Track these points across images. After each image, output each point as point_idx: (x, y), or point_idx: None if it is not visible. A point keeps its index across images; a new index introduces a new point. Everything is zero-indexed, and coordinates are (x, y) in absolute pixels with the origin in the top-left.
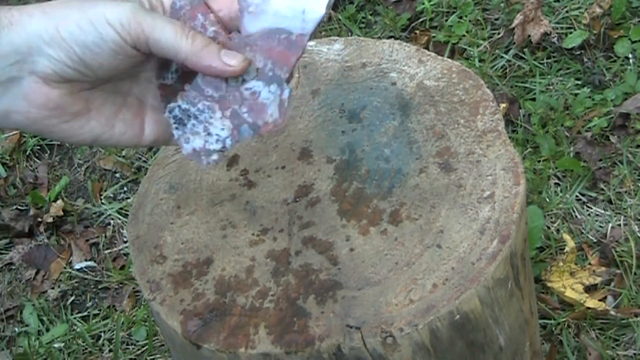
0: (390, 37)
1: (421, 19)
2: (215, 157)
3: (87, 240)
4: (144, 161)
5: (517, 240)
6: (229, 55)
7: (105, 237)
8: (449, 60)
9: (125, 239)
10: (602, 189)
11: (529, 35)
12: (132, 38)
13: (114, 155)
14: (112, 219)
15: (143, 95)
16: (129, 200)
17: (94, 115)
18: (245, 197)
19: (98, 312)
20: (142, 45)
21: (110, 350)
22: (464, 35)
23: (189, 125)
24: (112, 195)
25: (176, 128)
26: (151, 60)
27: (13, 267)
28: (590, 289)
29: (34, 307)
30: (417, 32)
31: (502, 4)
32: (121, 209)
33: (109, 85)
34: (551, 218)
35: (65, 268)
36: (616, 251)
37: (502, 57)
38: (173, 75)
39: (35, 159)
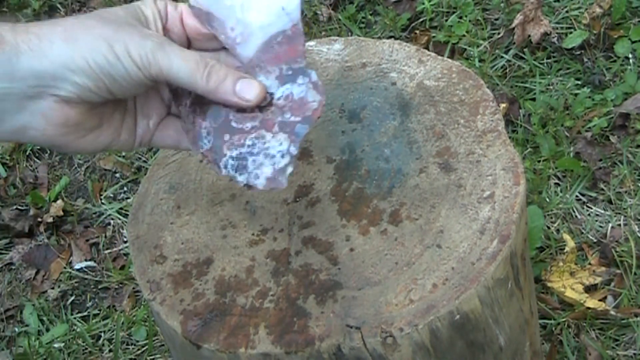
0: (390, 37)
1: (421, 19)
2: (290, 169)
3: (87, 240)
4: (144, 161)
5: (517, 240)
6: (245, 90)
7: (105, 237)
8: (449, 60)
9: (125, 239)
10: (602, 189)
11: (529, 35)
12: (152, 76)
13: (114, 156)
14: (112, 219)
15: (133, 100)
16: (129, 200)
17: (105, 127)
18: (245, 197)
19: (98, 312)
20: (162, 80)
21: (110, 350)
22: (464, 35)
23: (250, 164)
24: (112, 195)
25: (240, 174)
26: None
27: (13, 267)
28: (590, 289)
29: (34, 307)
30: (417, 32)
31: (502, 4)
32: (121, 209)
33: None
34: (551, 218)
35: (65, 268)
36: (616, 251)
37: (502, 57)
38: (188, 101)
39: (35, 159)
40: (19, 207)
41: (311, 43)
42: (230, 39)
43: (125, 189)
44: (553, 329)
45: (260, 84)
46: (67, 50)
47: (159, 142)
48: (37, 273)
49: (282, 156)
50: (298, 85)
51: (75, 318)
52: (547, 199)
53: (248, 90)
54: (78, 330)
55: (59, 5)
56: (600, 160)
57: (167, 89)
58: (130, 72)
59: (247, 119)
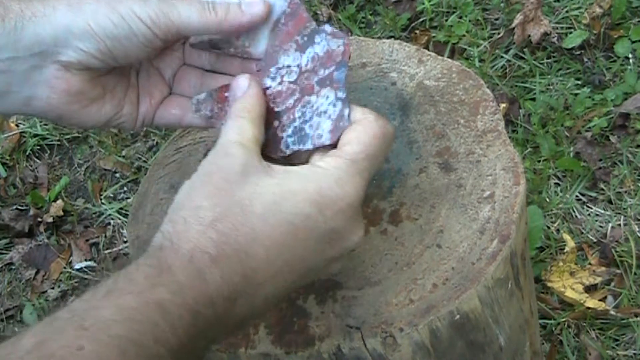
0: (390, 37)
1: (421, 19)
2: (346, 110)
3: (87, 240)
4: (144, 161)
5: (517, 240)
6: (249, 6)
7: (105, 237)
8: (449, 60)
9: (125, 239)
10: (602, 189)
11: (529, 35)
12: (162, 31)
13: (114, 155)
14: (112, 219)
15: (136, 75)
16: (129, 200)
17: (108, 98)
18: None
19: None
20: (173, 34)
21: None
22: (464, 35)
23: (308, 129)
24: (112, 195)
25: (304, 144)
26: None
27: (13, 267)
28: (590, 289)
29: (34, 307)
30: (417, 32)
31: (502, 4)
32: (121, 209)
33: (119, 68)
34: (551, 218)
35: (65, 268)
36: (616, 251)
37: (502, 57)
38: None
39: (35, 159)
40: (19, 207)
41: None
42: (240, 47)
43: (125, 189)
44: (553, 329)
45: None
46: (70, 15)
47: (161, 119)
48: (37, 273)
49: (334, 105)
50: (317, 44)
51: None
52: (547, 199)
53: (253, 5)
54: None
55: None
56: (600, 160)
57: (169, 68)
58: (136, 31)
59: (287, 97)
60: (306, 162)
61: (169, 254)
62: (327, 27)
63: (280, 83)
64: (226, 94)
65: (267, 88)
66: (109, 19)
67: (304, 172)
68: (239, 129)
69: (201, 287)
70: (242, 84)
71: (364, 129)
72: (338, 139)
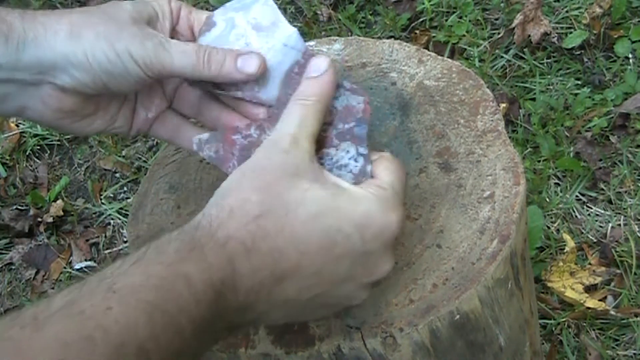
0: (390, 37)
1: (421, 19)
2: (369, 167)
3: (87, 240)
4: (144, 161)
5: (517, 240)
6: (246, 64)
7: (105, 237)
8: (449, 60)
9: (125, 239)
10: (602, 189)
11: (529, 35)
12: (154, 74)
13: (114, 155)
14: (112, 219)
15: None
16: (129, 200)
17: (100, 114)
18: None
19: None
20: (166, 76)
21: None
22: (464, 35)
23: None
24: (112, 195)
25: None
26: None
27: (13, 267)
28: (590, 289)
29: None
30: (417, 32)
31: (502, 4)
32: (121, 209)
33: None
34: (551, 218)
35: (65, 268)
36: (616, 251)
37: (502, 57)
38: None
39: (35, 159)
40: (19, 207)
41: (311, 43)
42: (248, 91)
43: (125, 189)
44: (553, 329)
45: (258, 55)
46: (70, 44)
47: (156, 133)
48: (37, 273)
49: (355, 160)
50: (335, 98)
51: None
52: (547, 199)
53: (249, 64)
54: None
55: (58, 5)
56: (600, 160)
57: (170, 83)
58: (131, 71)
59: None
60: None
61: (203, 234)
62: (346, 83)
63: None
64: (234, 137)
65: None
66: (106, 55)
67: (354, 194)
68: (300, 121)
69: (229, 272)
70: (322, 65)
71: (389, 162)
72: None
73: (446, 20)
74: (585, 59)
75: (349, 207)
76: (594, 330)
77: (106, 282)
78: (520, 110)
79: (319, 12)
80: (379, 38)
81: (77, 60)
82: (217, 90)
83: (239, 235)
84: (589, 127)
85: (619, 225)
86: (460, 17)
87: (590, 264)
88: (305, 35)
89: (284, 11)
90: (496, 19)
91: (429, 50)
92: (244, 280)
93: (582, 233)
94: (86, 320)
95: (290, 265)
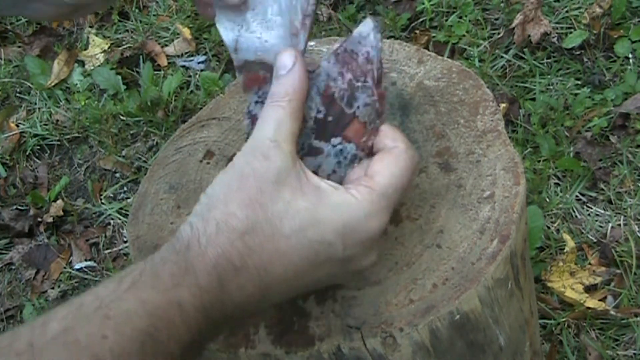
0: (390, 37)
1: (421, 19)
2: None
3: (87, 240)
4: (144, 161)
5: (517, 240)
6: None
7: (105, 237)
8: (449, 60)
9: (125, 239)
10: (602, 189)
11: (529, 35)
12: None
13: (114, 155)
14: (112, 219)
15: None
16: (129, 200)
17: None
18: None
19: None
20: None
21: None
22: (464, 35)
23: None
24: (112, 195)
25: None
26: None
27: (13, 267)
28: (590, 289)
29: (34, 307)
30: (417, 32)
31: (502, 4)
32: (121, 209)
33: None
34: (551, 218)
35: (65, 268)
36: (616, 251)
37: (502, 57)
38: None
39: (35, 159)
40: (19, 207)
41: (311, 43)
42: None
43: (125, 189)
44: (553, 329)
45: None
46: None
47: None
48: (37, 273)
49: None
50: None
51: None
52: (547, 199)
53: None
54: None
55: None
56: (600, 160)
57: None
58: None
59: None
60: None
61: (195, 256)
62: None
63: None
64: (261, 73)
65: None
66: None
67: (336, 201)
68: (277, 123)
69: (218, 292)
70: (287, 61)
71: (395, 161)
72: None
73: (446, 20)
74: (585, 59)
75: (331, 217)
76: (594, 330)
77: (102, 307)
78: (520, 110)
79: (319, 12)
80: None
81: None
82: None
83: (227, 254)
84: (589, 127)
85: (619, 225)
86: (460, 17)
87: (590, 264)
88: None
89: None
90: (496, 19)
91: (429, 50)
92: (232, 297)
93: (582, 233)
94: (82, 350)
95: (274, 277)
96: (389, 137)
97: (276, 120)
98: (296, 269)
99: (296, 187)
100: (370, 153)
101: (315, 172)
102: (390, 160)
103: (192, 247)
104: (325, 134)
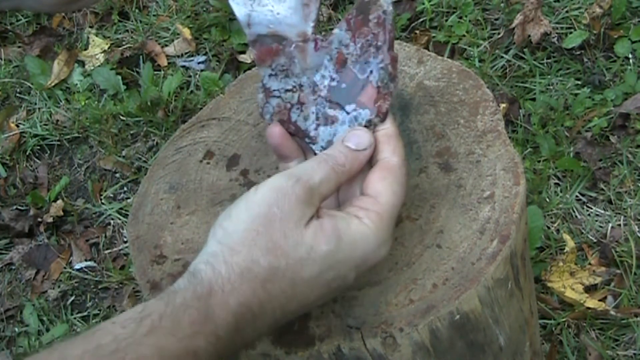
0: None
1: (421, 19)
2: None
3: (87, 240)
4: (144, 161)
5: (517, 240)
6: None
7: (105, 237)
8: (449, 60)
9: (125, 239)
10: (602, 189)
11: (529, 35)
12: None
13: (114, 156)
14: (112, 219)
15: None
16: (129, 200)
17: None
18: None
19: (98, 312)
20: None
21: None
22: (464, 35)
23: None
24: (112, 195)
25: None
26: None
27: (13, 267)
28: (590, 289)
29: (34, 307)
30: (417, 32)
31: (502, 4)
32: (121, 209)
33: None
34: (551, 218)
35: (65, 268)
36: (616, 251)
37: (502, 57)
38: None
39: (35, 159)
40: (19, 207)
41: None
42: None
43: (125, 189)
44: (553, 329)
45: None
46: None
47: None
48: (37, 273)
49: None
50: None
51: (75, 318)
52: (547, 199)
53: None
54: (78, 330)
55: None
56: (600, 160)
57: None
58: None
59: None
60: None
61: (217, 303)
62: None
63: None
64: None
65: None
66: None
67: (353, 237)
68: (322, 180)
69: (233, 337)
70: (364, 141)
71: (395, 178)
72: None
73: (446, 20)
74: (585, 59)
75: (350, 255)
76: (594, 330)
77: (119, 352)
78: (520, 110)
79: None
80: None
81: None
82: None
83: (248, 303)
84: (589, 127)
85: (619, 225)
86: (460, 17)
87: (590, 264)
88: None
89: None
90: (496, 19)
91: (429, 50)
92: (244, 339)
93: (582, 233)
94: None
95: (287, 314)
96: (389, 150)
97: (325, 176)
98: (309, 303)
99: (317, 229)
100: (385, 118)
101: (331, 141)
102: (391, 179)
103: (214, 293)
104: (340, 101)
